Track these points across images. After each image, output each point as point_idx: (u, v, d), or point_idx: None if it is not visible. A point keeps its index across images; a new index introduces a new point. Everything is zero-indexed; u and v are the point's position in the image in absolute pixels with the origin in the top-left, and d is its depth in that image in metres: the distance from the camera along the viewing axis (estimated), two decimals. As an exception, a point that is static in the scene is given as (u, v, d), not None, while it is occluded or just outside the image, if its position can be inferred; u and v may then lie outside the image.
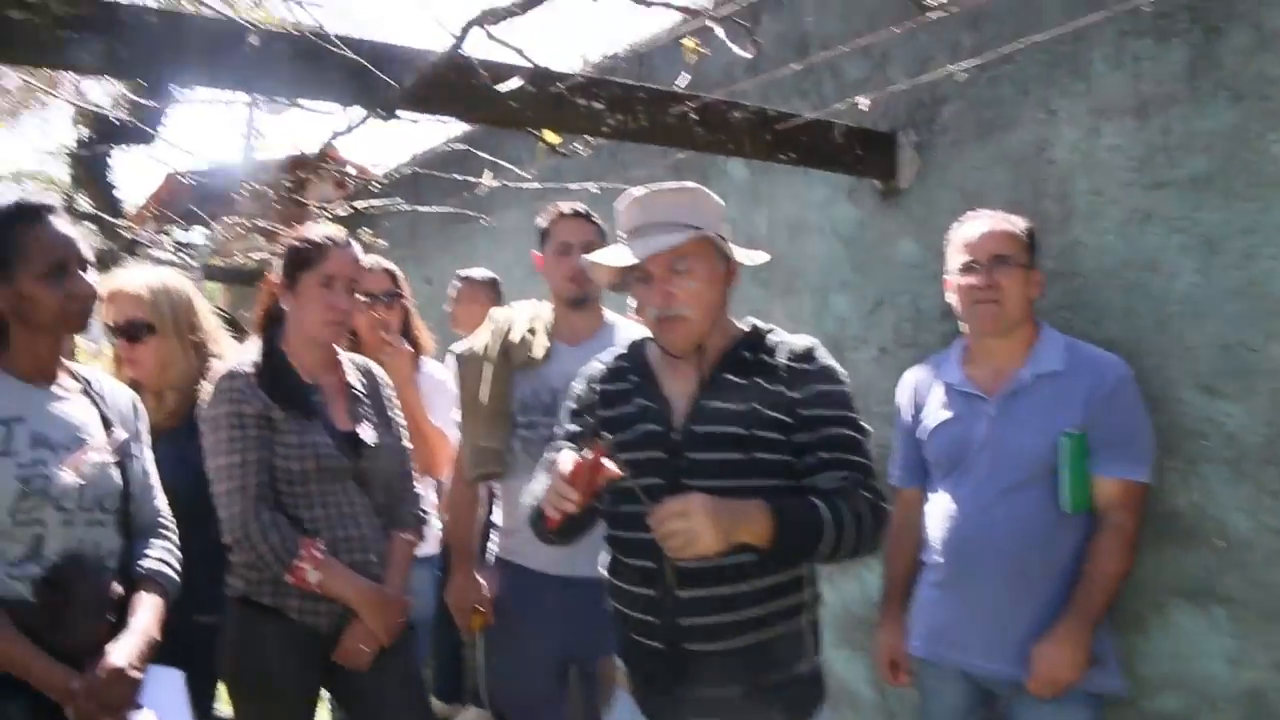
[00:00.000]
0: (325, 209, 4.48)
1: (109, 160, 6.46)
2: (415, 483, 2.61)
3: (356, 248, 2.48)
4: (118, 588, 1.91)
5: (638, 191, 2.01)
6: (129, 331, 2.51)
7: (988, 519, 2.32)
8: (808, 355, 1.97)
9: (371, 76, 2.23)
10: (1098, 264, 2.64)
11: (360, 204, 4.78)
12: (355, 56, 2.19)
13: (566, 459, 1.79)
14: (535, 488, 2.03)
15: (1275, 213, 2.27)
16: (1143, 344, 2.50)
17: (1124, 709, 2.47)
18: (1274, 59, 2.28)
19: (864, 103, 2.74)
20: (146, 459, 2.09)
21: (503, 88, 2.34)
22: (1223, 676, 2.34)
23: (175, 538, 2.10)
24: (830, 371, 1.98)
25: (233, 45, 2.14)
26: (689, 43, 2.83)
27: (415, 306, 3.62)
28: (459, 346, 2.90)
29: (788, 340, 2.01)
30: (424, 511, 2.61)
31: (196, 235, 6.08)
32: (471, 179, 3.73)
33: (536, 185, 3.53)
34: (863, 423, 1.97)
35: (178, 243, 6.07)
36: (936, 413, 2.51)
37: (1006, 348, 2.43)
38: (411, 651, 2.53)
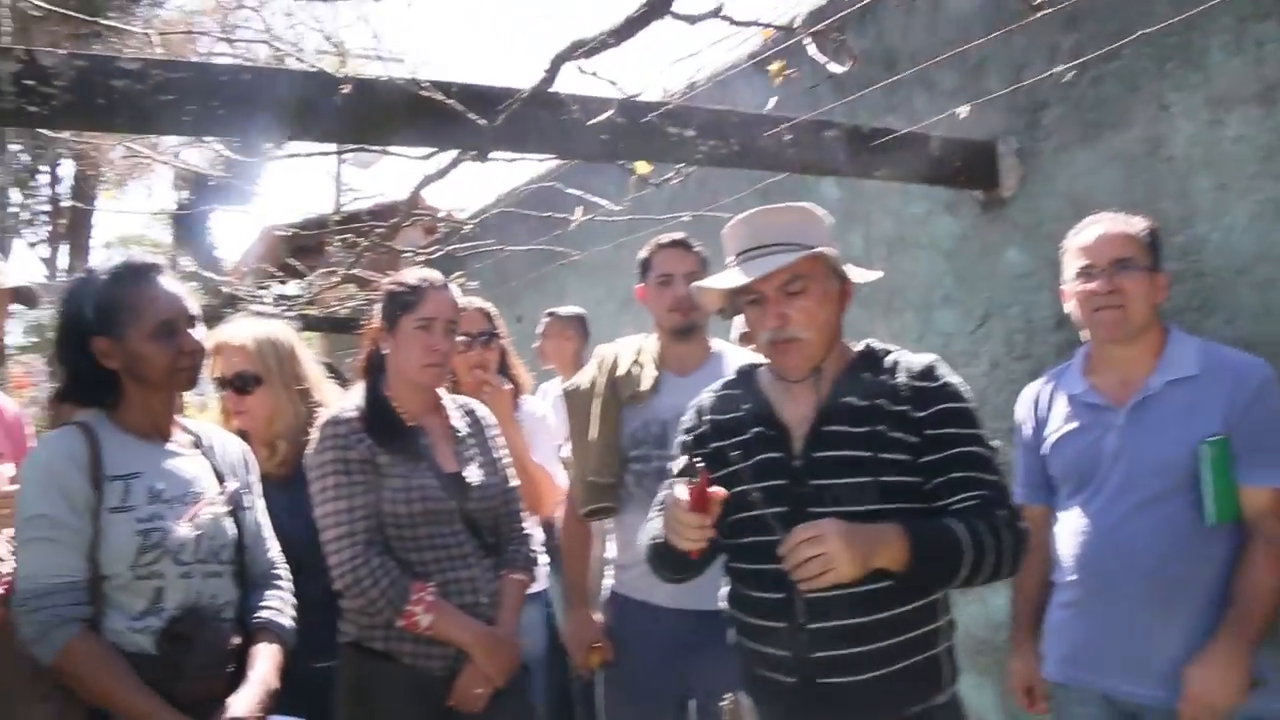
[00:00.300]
0: (414, 254, 4.53)
1: (208, 220, 6.67)
2: (524, 522, 2.58)
3: (454, 289, 2.47)
4: (235, 638, 1.91)
5: (746, 213, 1.95)
6: (237, 384, 2.53)
7: (1124, 534, 2.18)
8: (929, 373, 1.89)
9: (462, 119, 2.22)
10: (1226, 261, 2.50)
11: (449, 247, 4.81)
12: (446, 99, 2.18)
13: (681, 492, 1.74)
14: (652, 527, 1.97)
15: None
16: (1283, 344, 2.34)
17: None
18: None
19: (963, 111, 2.65)
20: (259, 509, 2.09)
21: (594, 121, 2.31)
22: (1403, 702, 2.15)
23: (290, 586, 2.10)
24: (954, 388, 1.89)
25: (324, 97, 2.16)
26: (775, 67, 2.79)
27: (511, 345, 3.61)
28: (566, 384, 2.88)
29: (907, 359, 1.93)
30: (534, 551, 2.57)
31: (292, 287, 6.22)
32: (557, 215, 3.72)
33: (625, 218, 3.50)
34: (990, 439, 1.88)
35: (276, 295, 6.21)
36: (1061, 426, 2.38)
37: (1133, 354, 2.29)
38: (526, 692, 2.49)
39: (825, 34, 2.11)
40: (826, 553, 1.59)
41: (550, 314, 4.10)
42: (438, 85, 2.23)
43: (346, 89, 2.09)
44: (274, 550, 2.11)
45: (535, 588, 3.16)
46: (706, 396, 2.08)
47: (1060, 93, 2.96)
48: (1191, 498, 2.15)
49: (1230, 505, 2.15)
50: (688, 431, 2.07)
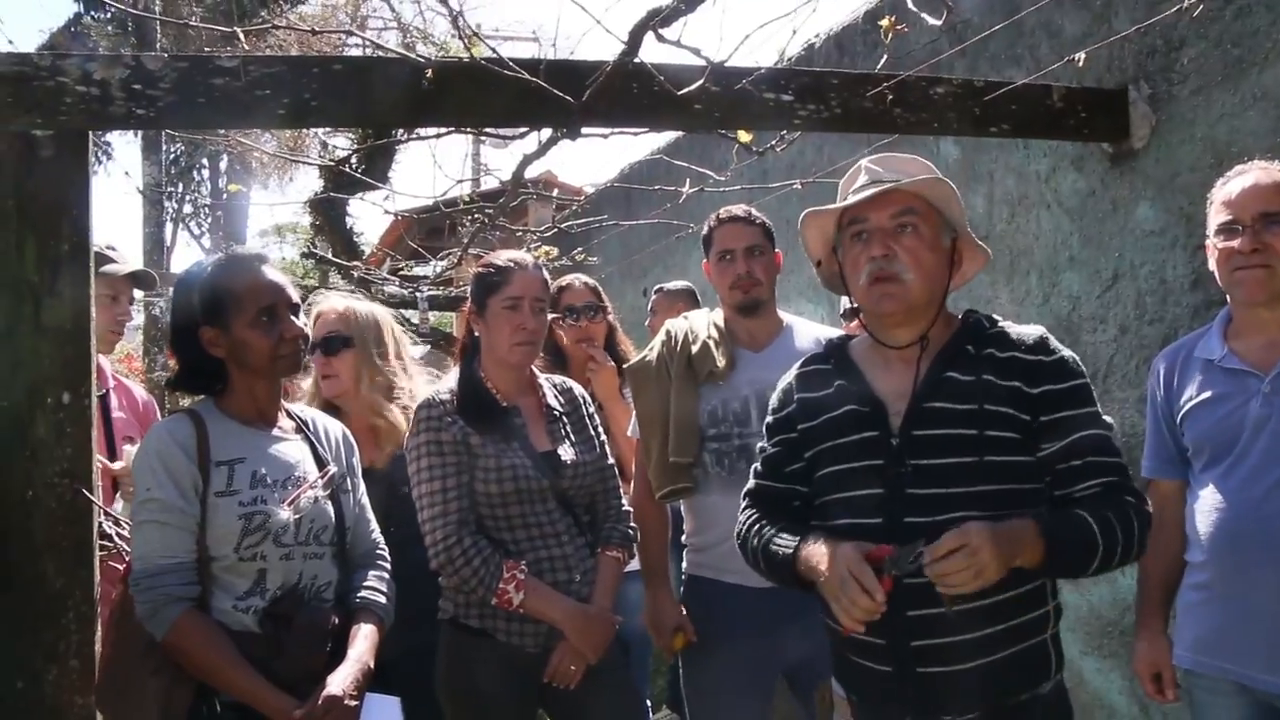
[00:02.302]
0: (533, 233, 4.57)
1: (346, 207, 6.91)
2: (622, 500, 2.58)
3: (543, 269, 2.48)
4: (335, 618, 1.97)
5: (864, 159, 1.87)
6: (326, 346, 2.65)
7: (1266, 510, 2.00)
8: (1042, 345, 1.78)
9: (549, 96, 2.20)
10: (1389, 211, 2.25)
11: (563, 224, 4.84)
12: (530, 77, 2.17)
13: (855, 561, 1.63)
14: (784, 541, 1.84)
15: None
16: None
17: None
18: None
19: (1080, 57, 2.46)
20: (360, 492, 2.15)
21: (684, 91, 2.26)
22: None
23: (389, 567, 2.15)
24: (1069, 363, 1.78)
25: (413, 83, 2.17)
26: (886, 22, 2.66)
27: (619, 321, 3.60)
28: (632, 361, 2.83)
29: (1016, 330, 1.82)
30: (632, 528, 2.57)
31: (424, 269, 6.38)
32: (666, 189, 3.68)
33: (738, 188, 3.43)
34: (1102, 415, 1.78)
35: (404, 277, 6.39)
36: (1197, 394, 2.21)
37: None
38: (623, 668, 2.50)
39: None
40: (978, 561, 1.54)
41: (659, 289, 4.09)
42: (521, 63, 2.21)
43: (429, 74, 2.10)
44: (375, 532, 2.17)
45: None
46: (793, 375, 2.00)
47: (1199, 29, 2.72)
48: None
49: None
50: (774, 413, 1.99)
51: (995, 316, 1.87)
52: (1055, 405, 1.73)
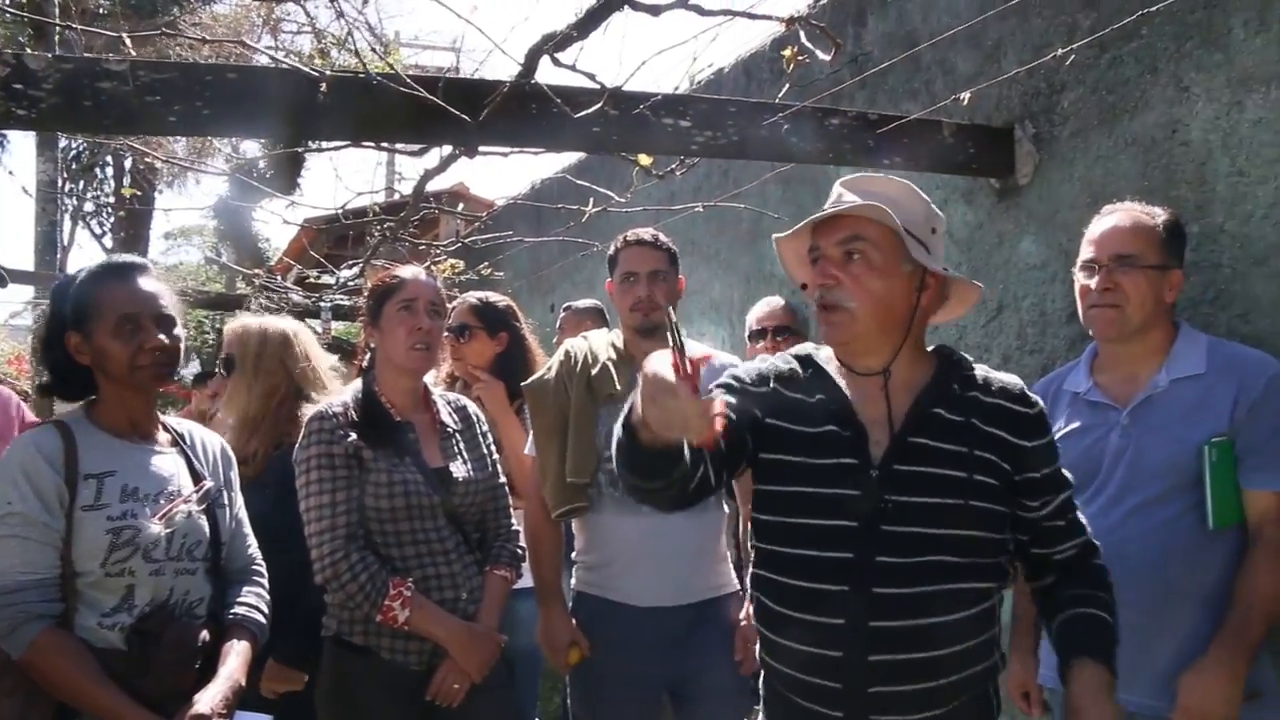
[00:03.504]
0: (436, 247, 4.55)
1: (251, 213, 6.78)
2: (511, 519, 2.58)
3: (437, 280, 2.49)
4: (206, 635, 1.93)
5: (848, 177, 1.78)
6: (226, 365, 2.75)
7: (1122, 536, 2.09)
8: (1024, 397, 1.74)
9: (447, 114, 2.21)
10: (1243, 252, 2.39)
11: (470, 239, 4.83)
12: (428, 95, 2.17)
13: (664, 366, 1.40)
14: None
15: None
16: (1300, 339, 2.24)
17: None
18: None
19: (965, 97, 2.56)
20: (237, 506, 2.12)
21: (582, 114, 2.28)
22: None
23: (266, 583, 2.12)
24: (1044, 418, 1.77)
25: (306, 95, 2.16)
26: (789, 53, 2.73)
27: (534, 336, 3.59)
28: (529, 380, 2.84)
29: (997, 377, 1.76)
30: (521, 548, 2.57)
31: (329, 278, 6.29)
32: (580, 208, 3.70)
33: (648, 209, 3.46)
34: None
35: (309, 286, 6.30)
36: (1064, 425, 2.30)
37: (1139, 351, 2.21)
38: (506, 687, 2.49)
39: (805, 21, 2.05)
40: None
41: (567, 307, 4.11)
42: (421, 81, 2.22)
43: (324, 87, 2.09)
44: (253, 547, 2.14)
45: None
46: (773, 364, 1.84)
47: (1078, 75, 2.86)
48: (1193, 500, 2.07)
49: (1232, 509, 2.08)
50: (739, 380, 1.79)
51: (967, 356, 1.81)
52: (1039, 461, 1.71)
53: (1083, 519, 1.79)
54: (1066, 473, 1.77)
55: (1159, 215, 2.21)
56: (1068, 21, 2.87)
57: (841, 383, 1.76)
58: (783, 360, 1.84)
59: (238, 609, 2.01)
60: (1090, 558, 1.78)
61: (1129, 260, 2.14)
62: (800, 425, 1.73)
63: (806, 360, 1.82)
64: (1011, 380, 1.76)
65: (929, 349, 1.80)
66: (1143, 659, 2.06)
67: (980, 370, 1.77)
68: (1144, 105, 2.66)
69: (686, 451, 1.62)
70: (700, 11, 1.74)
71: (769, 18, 1.86)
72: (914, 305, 1.71)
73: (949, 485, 1.64)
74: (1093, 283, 2.18)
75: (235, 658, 1.92)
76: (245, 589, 2.06)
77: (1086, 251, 2.25)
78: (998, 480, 1.67)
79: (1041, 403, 1.76)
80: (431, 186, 7.76)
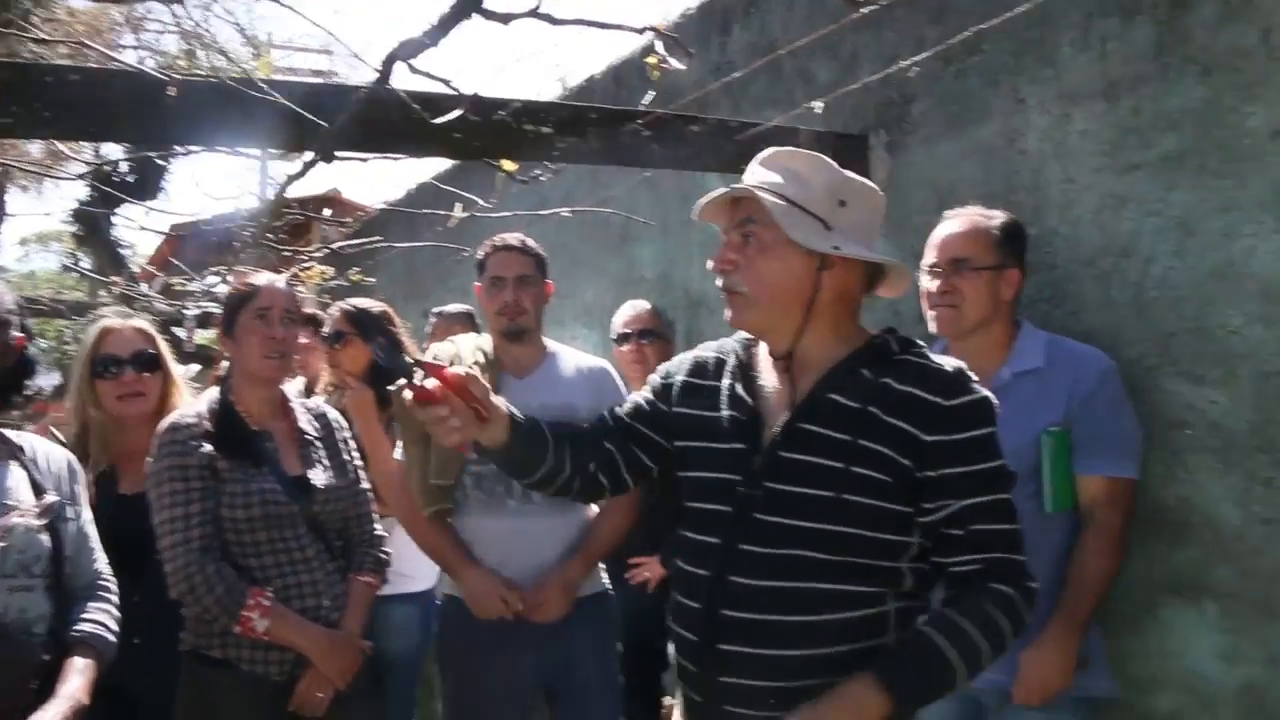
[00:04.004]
0: (302, 253, 4.48)
1: (112, 218, 6.54)
2: (375, 525, 2.57)
3: (293, 287, 2.47)
4: (45, 654, 1.86)
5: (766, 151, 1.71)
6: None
7: None
8: (948, 385, 1.56)
9: (303, 119, 2.19)
10: (1074, 254, 2.54)
11: (337, 245, 4.76)
12: (283, 100, 2.15)
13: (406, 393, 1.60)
14: None
15: (1252, 188, 2.16)
16: (1122, 333, 2.40)
17: (1117, 711, 2.35)
18: (1243, 29, 2.18)
19: (817, 106, 2.66)
20: (83, 521, 2.05)
21: (441, 120, 2.29)
22: (1216, 674, 2.22)
23: (115, 599, 2.06)
24: (970, 410, 1.56)
25: (154, 98, 2.11)
26: (652, 60, 2.78)
27: (411, 341, 3.56)
28: (397, 383, 2.83)
29: (928, 362, 1.61)
30: (385, 553, 2.56)
31: (197, 285, 6.12)
32: (447, 213, 3.69)
33: (506, 214, 3.48)
34: (1008, 470, 1.60)
35: (173, 294, 6.11)
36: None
37: (983, 347, 2.33)
38: (373, 694, 2.49)
39: (655, 30, 2.10)
40: None
41: (437, 313, 4.08)
42: (276, 86, 2.19)
43: (173, 91, 2.04)
44: (100, 562, 2.07)
45: (416, 587, 3.15)
46: (701, 351, 1.83)
47: (926, 86, 2.99)
48: (1034, 487, 2.20)
49: (1068, 494, 2.21)
50: (663, 373, 1.85)
51: (917, 341, 1.68)
52: (943, 459, 1.54)
53: (1006, 534, 1.57)
54: (1008, 472, 1.59)
55: (996, 218, 2.35)
56: (917, 35, 3.01)
57: (763, 367, 1.72)
58: (718, 347, 1.82)
59: (82, 626, 1.94)
60: (993, 580, 1.54)
61: (964, 263, 2.28)
62: (705, 411, 1.72)
63: (745, 345, 1.77)
64: (944, 368, 1.60)
65: (873, 332, 1.70)
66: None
67: (913, 354, 1.62)
68: (986, 115, 2.81)
69: (550, 455, 1.75)
70: (551, 20, 1.77)
71: (620, 27, 1.90)
72: (816, 285, 1.60)
73: (825, 476, 1.55)
74: (934, 285, 2.31)
75: (77, 676, 1.85)
76: (91, 605, 1.99)
77: (929, 255, 2.37)
78: (890, 476, 1.53)
79: (976, 394, 1.57)
80: (303, 192, 7.61)
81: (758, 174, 1.66)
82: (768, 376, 1.70)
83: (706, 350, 1.83)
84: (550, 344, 2.84)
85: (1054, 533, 2.21)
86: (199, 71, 2.30)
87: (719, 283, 1.67)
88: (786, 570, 1.55)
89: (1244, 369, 2.15)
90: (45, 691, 1.81)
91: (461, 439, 1.63)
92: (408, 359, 1.63)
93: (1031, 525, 2.15)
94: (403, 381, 1.60)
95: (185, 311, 5.03)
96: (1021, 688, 2.11)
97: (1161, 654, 2.33)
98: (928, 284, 2.35)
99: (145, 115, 2.16)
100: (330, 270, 4.48)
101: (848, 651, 1.54)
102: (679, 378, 1.80)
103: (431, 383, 1.62)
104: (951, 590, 1.60)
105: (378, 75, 2.05)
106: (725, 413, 1.69)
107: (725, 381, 1.73)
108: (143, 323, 2.66)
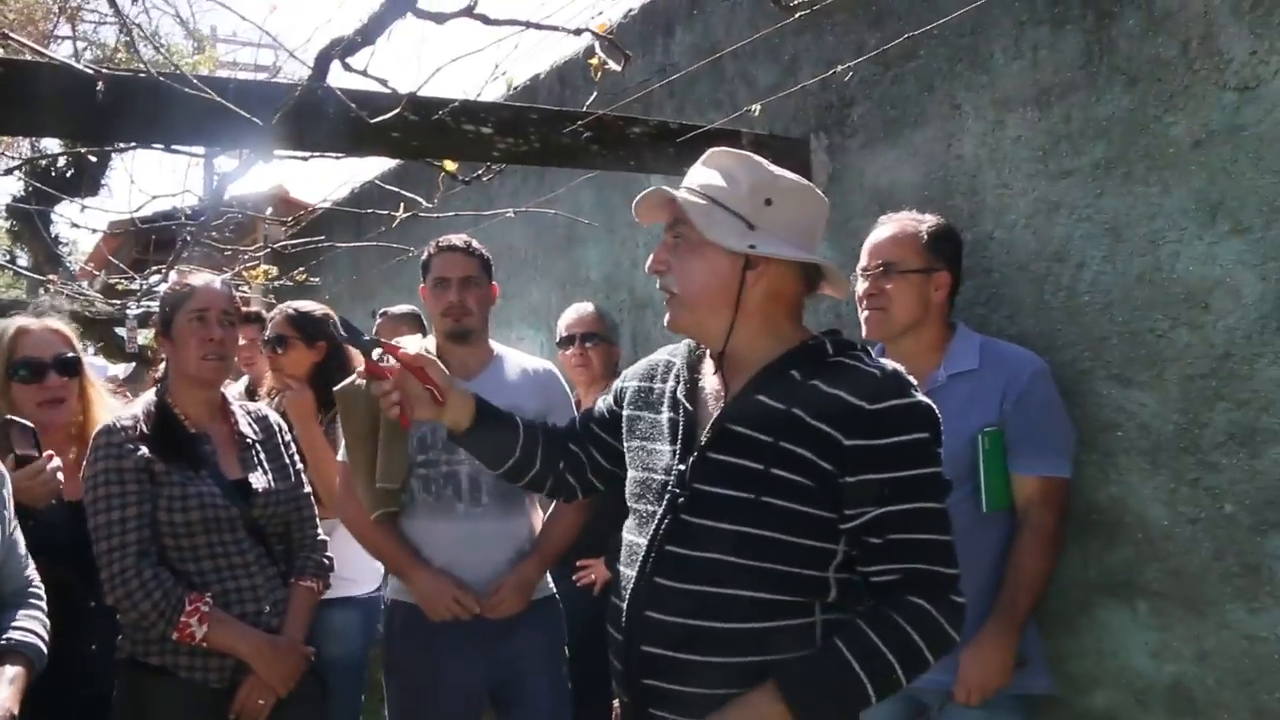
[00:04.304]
0: (243, 251, 4.42)
1: (50, 214, 6.39)
2: (317, 529, 2.54)
3: (230, 287, 2.44)
4: None
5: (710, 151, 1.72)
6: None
7: None
8: (877, 389, 1.53)
9: (238, 116, 2.16)
10: (1009, 257, 2.59)
11: (280, 244, 4.71)
12: (216, 97, 2.12)
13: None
14: None
15: (1176, 196, 2.21)
16: (1056, 336, 2.45)
17: (1055, 708, 2.41)
18: (1166, 40, 2.23)
19: (755, 108, 2.68)
20: (10, 527, 2.01)
21: (378, 119, 2.27)
22: (1147, 670, 2.27)
23: (44, 606, 2.03)
24: (901, 414, 1.52)
25: (83, 94, 2.07)
26: (595, 61, 2.78)
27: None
28: (341, 384, 2.81)
29: (862, 365, 1.59)
30: (327, 558, 2.54)
31: (138, 284, 6.00)
32: (391, 213, 3.66)
33: (450, 214, 3.46)
34: (941, 478, 1.56)
35: (115, 293, 5.99)
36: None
37: (917, 350, 2.37)
38: (315, 699, 2.46)
39: (591, 33, 2.11)
40: None
41: (383, 313, 4.06)
42: (209, 82, 2.16)
43: (101, 86, 2.01)
44: (30, 569, 2.03)
45: (358, 591, 3.12)
46: (657, 355, 1.86)
47: (865, 90, 3.03)
48: (969, 488, 2.23)
49: (1003, 494, 2.25)
50: (621, 381, 1.89)
51: (854, 343, 1.66)
52: (864, 464, 1.50)
53: (930, 544, 1.53)
54: (939, 481, 1.56)
55: (926, 223, 2.38)
56: (857, 39, 3.04)
57: (707, 367, 1.72)
58: (672, 350, 1.83)
59: (11, 634, 1.91)
60: (911, 592, 1.50)
61: (892, 267, 2.31)
62: (649, 413, 1.74)
63: (694, 348, 1.78)
64: (876, 372, 1.57)
65: (813, 333, 1.68)
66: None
67: (847, 356, 1.60)
68: (923, 120, 2.84)
69: (518, 448, 1.85)
70: (486, 20, 1.77)
71: (555, 28, 1.90)
72: (741, 284, 1.59)
73: (746, 478, 1.54)
74: (862, 289, 2.35)
75: (6, 685, 1.82)
76: (20, 613, 1.96)
77: (861, 260, 2.41)
78: (810, 480, 1.51)
79: (907, 399, 1.54)
80: (248, 190, 7.49)
81: (697, 174, 1.67)
82: (709, 379, 1.71)
83: (661, 354, 1.86)
84: (496, 346, 2.84)
85: (991, 532, 2.25)
86: (137, 66, 2.24)
87: (658, 284, 1.68)
88: (708, 574, 1.54)
89: (1170, 371, 2.20)
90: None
91: (413, 416, 1.73)
92: (365, 336, 1.72)
93: (969, 525, 2.21)
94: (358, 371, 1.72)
95: (128, 311, 4.93)
96: (962, 687, 2.15)
97: (1097, 652, 2.38)
98: (859, 287, 2.38)
99: (74, 110, 2.11)
100: (274, 270, 4.42)
101: (772, 662, 1.51)
102: (633, 382, 1.84)
103: (390, 362, 1.72)
104: (870, 601, 1.57)
105: (311, 73, 2.03)
106: (665, 415, 1.71)
107: (669, 384, 1.75)
108: (59, 323, 2.53)
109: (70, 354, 2.48)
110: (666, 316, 1.69)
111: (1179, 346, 2.19)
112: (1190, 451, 2.17)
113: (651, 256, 1.68)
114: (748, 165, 1.65)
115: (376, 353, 1.72)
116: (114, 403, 2.60)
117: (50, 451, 2.25)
